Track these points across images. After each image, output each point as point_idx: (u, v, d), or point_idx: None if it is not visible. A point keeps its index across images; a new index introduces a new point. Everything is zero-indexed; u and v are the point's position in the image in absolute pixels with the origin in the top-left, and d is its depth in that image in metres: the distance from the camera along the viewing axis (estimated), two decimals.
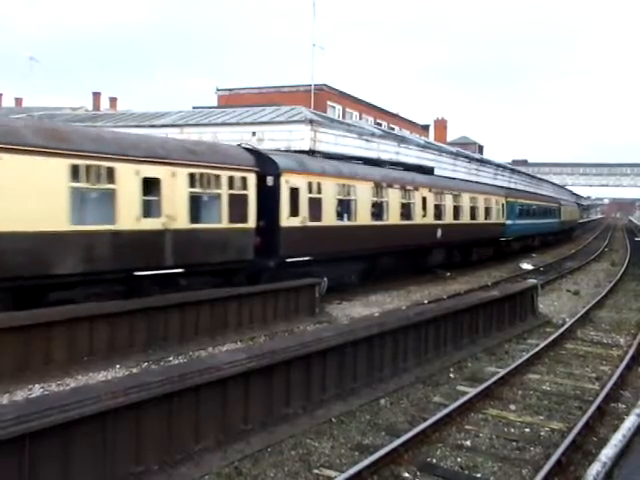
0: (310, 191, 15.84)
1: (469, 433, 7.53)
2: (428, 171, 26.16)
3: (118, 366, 9.79)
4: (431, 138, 52.86)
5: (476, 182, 30.79)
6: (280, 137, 19.76)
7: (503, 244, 31.79)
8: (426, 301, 16.78)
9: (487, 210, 28.57)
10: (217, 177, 13.42)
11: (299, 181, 15.41)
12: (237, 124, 21.29)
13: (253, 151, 15.24)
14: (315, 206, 15.96)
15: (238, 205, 13.81)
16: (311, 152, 19.17)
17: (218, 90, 41.10)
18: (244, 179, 14.05)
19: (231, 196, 13.68)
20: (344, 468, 6.26)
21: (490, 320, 12.62)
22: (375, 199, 19.03)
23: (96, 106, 54.74)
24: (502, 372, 9.76)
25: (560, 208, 51.07)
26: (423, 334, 10.24)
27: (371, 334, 8.94)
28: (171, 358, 10.50)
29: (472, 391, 8.76)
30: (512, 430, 7.72)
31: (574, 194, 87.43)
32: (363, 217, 18.36)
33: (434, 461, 6.71)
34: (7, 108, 51.27)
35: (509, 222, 31.95)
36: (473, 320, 11.94)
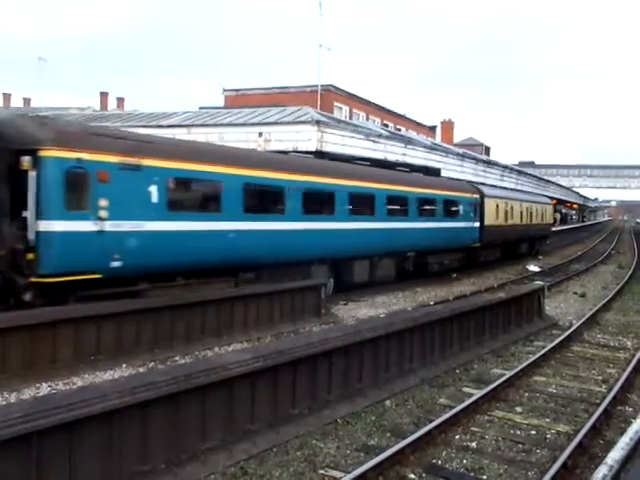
0: None
1: (475, 435, 7.52)
2: (434, 173, 26.11)
3: (124, 365, 9.82)
4: (438, 139, 52.84)
5: None
6: (287, 138, 19.81)
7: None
8: (432, 302, 16.77)
9: None
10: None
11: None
12: (244, 125, 21.36)
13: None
14: None
15: None
16: (318, 153, 19.18)
17: (225, 90, 41.22)
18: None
19: None
20: (350, 469, 6.26)
21: (496, 322, 12.58)
22: None
23: (104, 106, 55.04)
24: (508, 374, 9.73)
25: (482, 201, 26.61)
26: (429, 335, 10.22)
27: (377, 335, 8.93)
28: (177, 358, 10.53)
29: (478, 393, 8.74)
30: (518, 432, 7.70)
31: (582, 196, 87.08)
32: None
33: (440, 462, 6.70)
34: (15, 108, 51.58)
35: (90, 226, 10.60)
36: (479, 322, 11.91)
